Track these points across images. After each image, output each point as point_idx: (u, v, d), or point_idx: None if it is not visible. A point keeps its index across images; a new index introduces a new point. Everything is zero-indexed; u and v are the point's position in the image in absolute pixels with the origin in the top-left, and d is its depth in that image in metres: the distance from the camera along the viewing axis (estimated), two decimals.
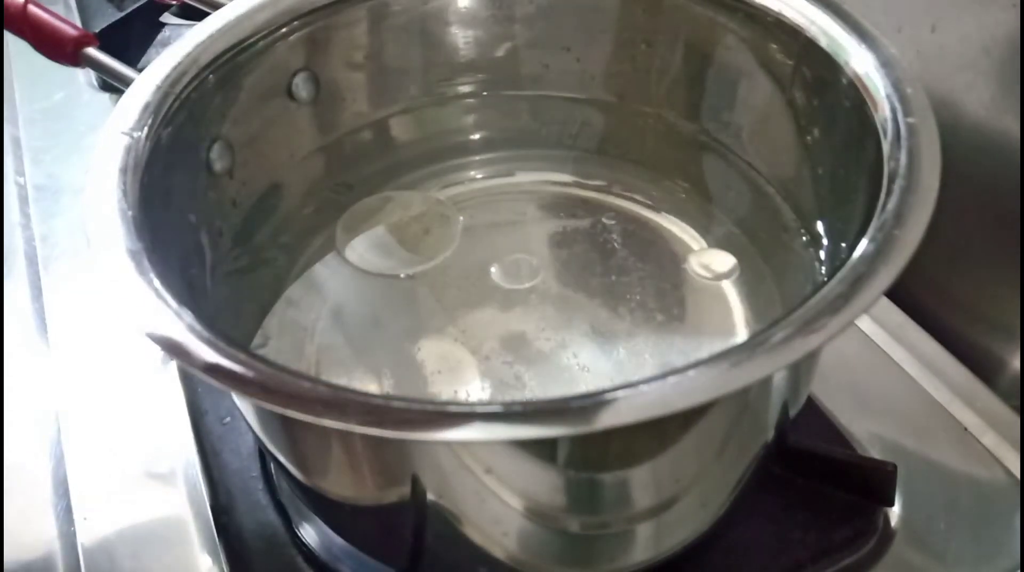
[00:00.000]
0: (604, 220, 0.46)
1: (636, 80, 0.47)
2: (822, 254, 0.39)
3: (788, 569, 0.38)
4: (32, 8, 0.45)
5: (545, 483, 0.30)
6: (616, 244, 0.45)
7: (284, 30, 0.42)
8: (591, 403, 0.25)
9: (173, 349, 0.27)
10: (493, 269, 0.42)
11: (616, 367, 0.40)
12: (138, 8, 0.67)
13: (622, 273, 0.44)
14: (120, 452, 0.44)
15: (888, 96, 0.34)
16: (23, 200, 0.59)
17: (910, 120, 0.32)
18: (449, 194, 0.48)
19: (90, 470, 0.44)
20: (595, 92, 0.48)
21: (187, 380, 0.46)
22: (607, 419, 0.25)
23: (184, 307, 0.28)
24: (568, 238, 0.45)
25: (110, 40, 0.55)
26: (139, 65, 0.39)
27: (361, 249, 0.44)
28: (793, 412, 0.35)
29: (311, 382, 0.26)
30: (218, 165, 0.40)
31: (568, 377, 0.39)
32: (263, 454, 0.42)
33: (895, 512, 0.40)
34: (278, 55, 0.42)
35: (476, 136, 0.50)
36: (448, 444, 0.28)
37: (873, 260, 0.28)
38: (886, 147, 0.32)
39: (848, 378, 0.45)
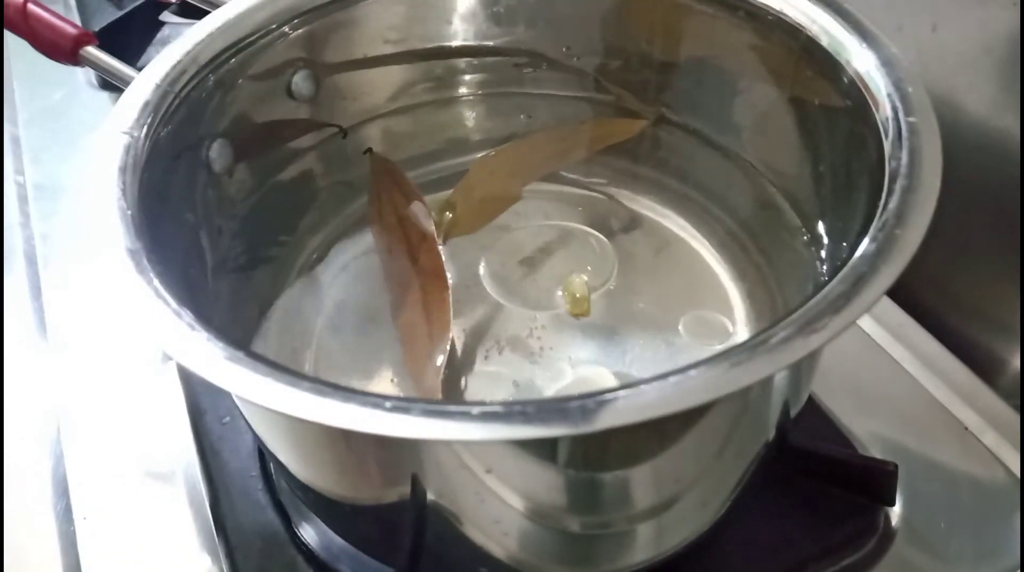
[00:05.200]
0: (604, 219, 0.46)
1: (636, 79, 0.47)
2: (823, 254, 0.39)
3: (789, 569, 0.38)
4: (31, 7, 0.45)
5: (545, 483, 0.30)
6: (616, 243, 0.45)
7: (284, 28, 0.42)
8: (591, 403, 0.25)
9: (173, 349, 0.27)
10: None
11: (617, 367, 0.40)
12: (138, 7, 0.67)
13: (622, 272, 0.44)
14: (120, 452, 0.44)
15: (889, 95, 0.34)
16: (23, 199, 0.59)
17: (911, 119, 0.32)
18: (449, 194, 0.47)
19: (90, 470, 0.44)
20: (595, 91, 0.48)
21: (187, 380, 0.46)
22: (607, 419, 0.24)
23: (184, 307, 0.28)
24: (568, 237, 0.45)
25: (110, 39, 0.55)
26: (139, 64, 0.39)
27: None
28: (794, 412, 0.35)
29: (311, 382, 0.26)
30: (218, 164, 0.40)
31: (568, 377, 0.39)
32: (263, 454, 0.42)
33: (896, 511, 0.40)
34: (278, 53, 0.42)
35: (476, 136, 0.50)
36: (448, 444, 0.28)
37: (874, 260, 0.28)
38: (887, 146, 0.32)
39: (849, 378, 0.45)
